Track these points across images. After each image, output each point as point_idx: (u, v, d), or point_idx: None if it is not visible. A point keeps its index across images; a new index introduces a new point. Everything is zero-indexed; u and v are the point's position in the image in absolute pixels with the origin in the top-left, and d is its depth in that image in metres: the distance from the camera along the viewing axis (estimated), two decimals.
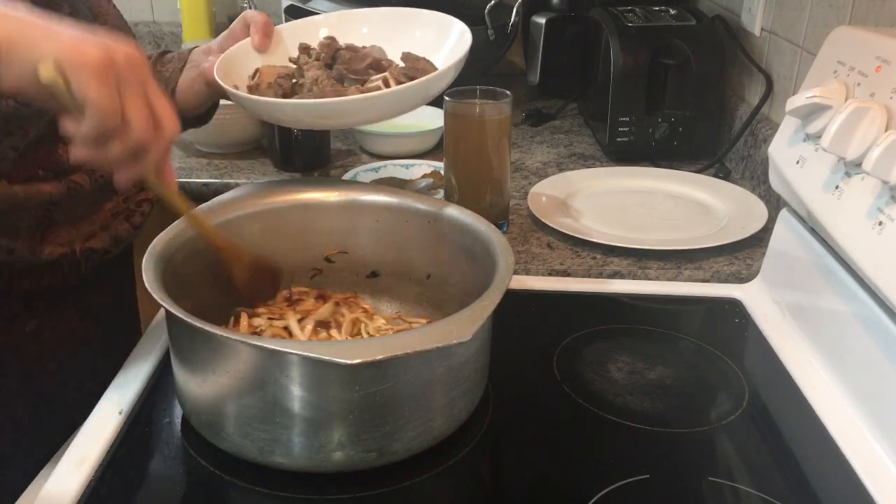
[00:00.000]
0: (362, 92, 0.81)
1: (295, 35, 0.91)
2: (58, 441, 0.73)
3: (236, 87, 0.83)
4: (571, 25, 1.50)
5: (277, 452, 0.63)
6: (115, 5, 0.89)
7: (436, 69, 0.85)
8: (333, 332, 0.75)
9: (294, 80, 0.85)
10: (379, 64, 0.86)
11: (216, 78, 0.81)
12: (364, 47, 0.89)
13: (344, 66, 0.86)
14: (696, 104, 1.27)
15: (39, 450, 0.74)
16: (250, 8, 1.82)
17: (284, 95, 0.83)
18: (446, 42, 0.89)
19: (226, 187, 1.15)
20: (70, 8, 0.77)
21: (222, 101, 0.91)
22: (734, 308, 0.91)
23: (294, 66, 0.88)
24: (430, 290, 0.82)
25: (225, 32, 0.90)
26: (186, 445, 0.68)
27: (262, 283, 0.78)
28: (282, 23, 1.54)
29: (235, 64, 0.86)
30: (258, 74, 0.86)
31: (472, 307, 0.62)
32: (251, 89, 0.84)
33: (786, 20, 1.16)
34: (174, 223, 0.73)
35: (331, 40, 0.89)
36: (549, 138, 1.41)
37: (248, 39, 0.89)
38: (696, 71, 1.25)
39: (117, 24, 0.87)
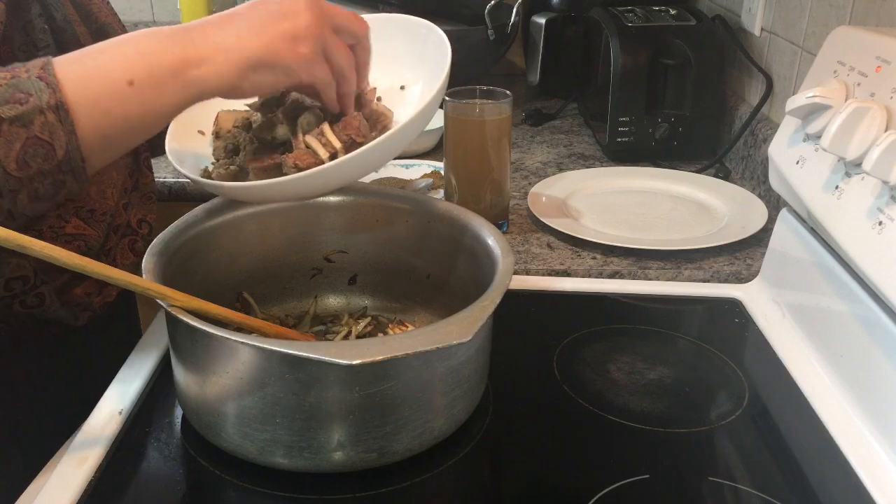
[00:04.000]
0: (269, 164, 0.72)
1: None
2: (56, 442, 0.73)
3: (202, 133, 0.80)
4: (571, 25, 1.50)
5: (277, 452, 0.63)
6: (108, 1, 0.88)
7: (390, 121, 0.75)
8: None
9: (253, 124, 0.78)
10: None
11: (166, 144, 0.77)
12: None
13: (286, 114, 0.76)
14: (696, 104, 1.27)
15: (37, 450, 0.74)
16: None
17: (235, 150, 0.77)
18: (426, 56, 0.80)
19: None
20: (41, 7, 0.76)
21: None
22: (734, 308, 0.91)
23: (250, 110, 0.79)
24: (430, 290, 0.82)
25: None
26: (186, 445, 0.68)
27: None
28: None
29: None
30: (217, 121, 0.80)
31: (472, 307, 0.62)
32: (214, 136, 0.80)
33: (786, 20, 1.16)
34: (174, 223, 0.73)
35: None
36: (549, 138, 1.41)
37: None
38: (696, 71, 1.25)
39: (108, 21, 0.86)
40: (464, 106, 0.99)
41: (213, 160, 0.78)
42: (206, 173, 0.76)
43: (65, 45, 0.78)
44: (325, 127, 0.72)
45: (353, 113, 0.74)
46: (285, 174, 0.70)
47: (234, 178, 0.73)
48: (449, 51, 0.75)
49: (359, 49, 0.72)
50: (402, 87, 0.80)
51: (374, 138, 0.71)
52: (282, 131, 0.73)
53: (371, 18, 0.84)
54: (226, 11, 0.67)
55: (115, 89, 0.61)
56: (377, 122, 0.76)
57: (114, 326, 0.90)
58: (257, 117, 0.77)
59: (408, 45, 0.81)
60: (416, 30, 0.80)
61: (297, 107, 0.73)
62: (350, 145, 0.71)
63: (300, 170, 0.69)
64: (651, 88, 1.27)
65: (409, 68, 0.81)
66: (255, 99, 0.80)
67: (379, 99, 0.80)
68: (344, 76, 0.70)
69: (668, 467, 0.67)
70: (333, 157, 0.71)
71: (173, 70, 0.62)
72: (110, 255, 0.82)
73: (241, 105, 0.80)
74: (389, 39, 0.82)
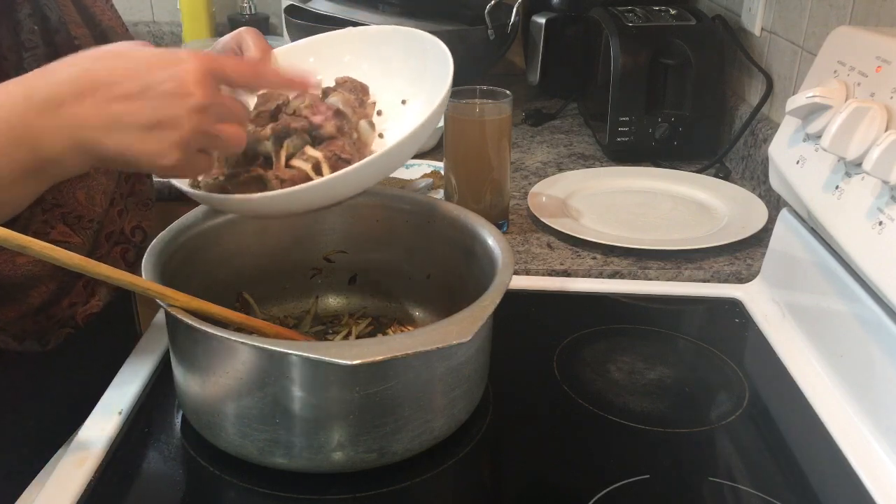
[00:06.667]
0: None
1: (291, 61, 0.81)
2: (56, 442, 0.73)
3: None
4: (571, 25, 1.50)
5: (277, 453, 0.63)
6: (112, 5, 0.88)
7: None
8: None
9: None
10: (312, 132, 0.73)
11: None
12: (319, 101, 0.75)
13: (275, 132, 0.74)
14: (696, 104, 1.27)
15: (38, 450, 0.74)
16: (251, 8, 1.83)
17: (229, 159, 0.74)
18: (427, 71, 0.77)
19: None
20: (32, 8, 0.76)
21: None
22: (734, 308, 0.91)
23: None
24: (430, 290, 0.82)
25: (217, 47, 0.83)
26: (186, 445, 0.68)
27: None
28: (282, 23, 1.54)
29: None
30: None
31: (472, 307, 0.62)
32: None
33: (786, 20, 1.16)
34: (174, 223, 0.73)
35: (266, 98, 0.76)
36: (549, 138, 1.41)
37: None
38: (696, 71, 1.25)
39: (112, 25, 0.86)
40: (464, 106, 0.99)
41: None
42: (196, 182, 0.74)
43: (57, 47, 0.77)
44: (307, 147, 0.70)
45: (337, 135, 0.71)
46: (269, 188, 0.68)
47: (222, 189, 0.72)
48: (451, 68, 0.73)
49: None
50: (404, 102, 0.79)
51: (361, 156, 0.69)
52: (266, 147, 0.72)
53: (373, 31, 0.83)
54: (111, 68, 0.58)
55: None
56: (364, 143, 0.74)
57: (113, 327, 0.90)
58: (252, 127, 0.75)
59: (410, 60, 0.79)
60: (419, 44, 0.78)
61: (286, 127, 0.72)
62: (336, 161, 0.69)
63: (284, 184, 0.68)
64: (651, 88, 1.27)
65: (410, 83, 0.79)
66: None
67: (379, 113, 0.78)
68: (231, 141, 0.63)
69: (668, 467, 0.67)
70: (317, 169, 0.69)
71: (25, 173, 0.58)
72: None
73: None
74: (391, 53, 0.80)
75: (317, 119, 0.71)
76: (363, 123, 0.75)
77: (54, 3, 0.78)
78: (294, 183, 0.67)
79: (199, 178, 0.74)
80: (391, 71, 0.80)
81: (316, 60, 0.81)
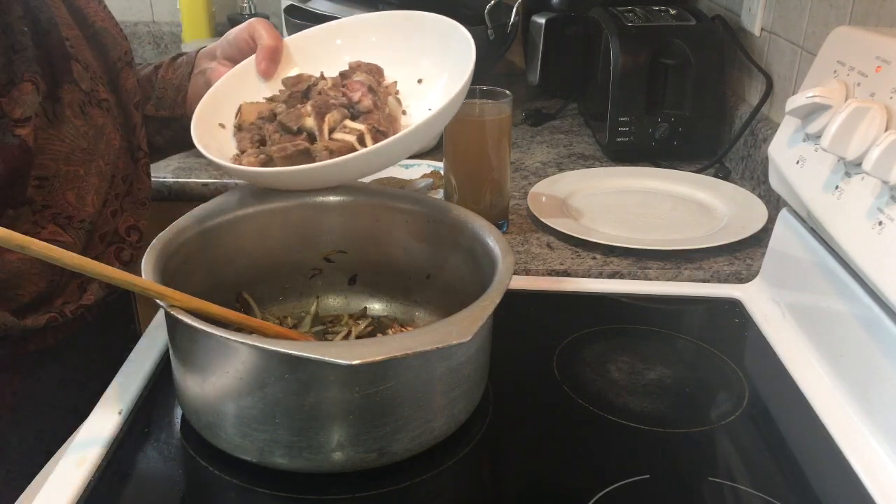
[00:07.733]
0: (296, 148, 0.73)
1: (309, 46, 0.85)
2: (56, 442, 0.73)
3: (223, 126, 0.80)
4: (571, 25, 1.50)
5: (277, 453, 0.63)
6: (105, 6, 0.88)
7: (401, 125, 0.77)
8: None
9: (278, 115, 0.79)
10: (349, 109, 0.77)
11: (192, 133, 0.76)
12: (350, 77, 0.79)
13: (315, 108, 0.76)
14: (696, 104, 1.27)
15: (37, 450, 0.74)
16: (250, 8, 1.83)
17: (261, 141, 0.77)
18: (450, 55, 0.81)
19: (225, 187, 1.15)
20: (23, 10, 0.75)
21: None
22: (734, 308, 0.91)
23: (275, 104, 0.80)
24: (430, 290, 0.82)
25: (229, 38, 0.86)
26: (186, 445, 0.68)
27: None
28: (282, 22, 1.54)
29: (228, 94, 0.80)
30: (239, 113, 0.80)
31: (472, 307, 0.62)
32: (236, 128, 0.80)
33: (786, 20, 1.16)
34: (174, 223, 0.73)
35: (297, 80, 0.80)
36: (549, 138, 1.41)
37: (248, 64, 0.83)
38: (696, 71, 1.25)
39: (105, 26, 0.86)
40: (464, 106, 0.98)
41: (238, 151, 0.78)
42: (237, 160, 0.76)
43: (48, 48, 0.77)
44: (347, 121, 0.73)
45: (373, 110, 0.75)
46: (315, 160, 0.71)
47: (263, 166, 0.74)
48: (473, 48, 0.76)
49: None
50: (420, 81, 0.82)
51: (395, 130, 0.73)
52: (309, 123, 0.74)
53: (392, 15, 0.86)
54: None
55: None
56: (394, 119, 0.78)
57: (112, 326, 0.90)
58: (282, 108, 0.77)
59: (428, 41, 0.83)
60: (438, 26, 0.82)
61: (324, 103, 0.74)
62: (375, 133, 0.73)
63: (332, 154, 0.70)
64: (651, 88, 1.27)
65: (430, 63, 0.82)
66: (278, 91, 0.81)
67: (397, 93, 0.80)
68: None
69: (668, 467, 0.67)
70: (361, 140, 0.72)
71: None
72: None
73: (261, 97, 0.81)
74: (409, 35, 0.83)
75: (355, 95, 0.74)
76: (391, 100, 0.78)
77: (45, 5, 0.78)
78: (342, 153, 0.70)
79: (240, 159, 0.76)
80: (408, 52, 0.83)
81: (343, 42, 0.85)
